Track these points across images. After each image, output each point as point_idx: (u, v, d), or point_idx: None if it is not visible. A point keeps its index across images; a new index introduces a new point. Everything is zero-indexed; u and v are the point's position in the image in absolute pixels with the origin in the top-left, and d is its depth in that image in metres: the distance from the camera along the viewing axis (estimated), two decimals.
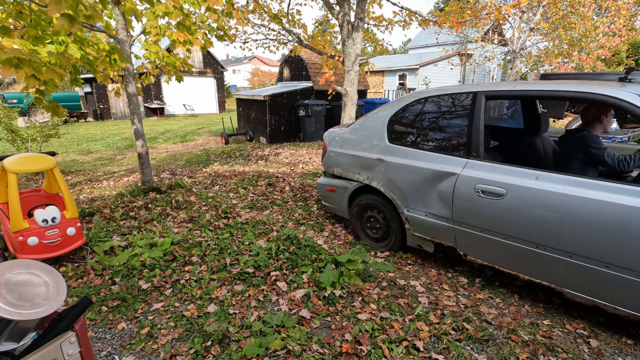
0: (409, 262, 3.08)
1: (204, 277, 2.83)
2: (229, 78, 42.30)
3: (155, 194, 4.83)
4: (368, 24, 7.63)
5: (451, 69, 21.92)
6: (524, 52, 13.46)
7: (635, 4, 11.98)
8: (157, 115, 20.88)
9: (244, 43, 8.16)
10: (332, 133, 3.70)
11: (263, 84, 35.04)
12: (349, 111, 6.23)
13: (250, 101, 11.04)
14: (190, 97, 22.90)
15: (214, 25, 4.35)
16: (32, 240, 2.77)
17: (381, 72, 22.86)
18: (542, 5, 11.44)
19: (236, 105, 12.48)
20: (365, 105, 11.33)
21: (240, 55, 59.18)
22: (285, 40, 8.02)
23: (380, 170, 3.04)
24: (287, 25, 7.07)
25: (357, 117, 10.71)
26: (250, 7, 6.78)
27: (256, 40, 8.19)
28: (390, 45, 8.95)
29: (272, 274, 2.81)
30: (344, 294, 2.55)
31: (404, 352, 1.99)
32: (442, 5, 37.66)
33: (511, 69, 13.03)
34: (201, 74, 23.24)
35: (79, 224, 3.05)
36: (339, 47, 8.62)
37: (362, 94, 12.23)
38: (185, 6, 3.87)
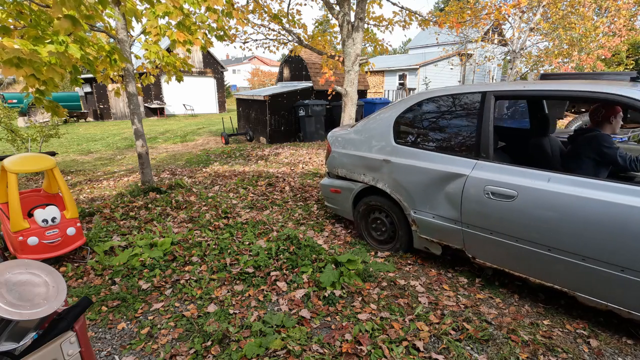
0: (409, 262, 3.08)
1: (204, 277, 2.83)
2: (229, 78, 42.30)
3: (155, 194, 4.83)
4: (368, 24, 7.63)
5: (451, 69, 21.92)
6: (524, 52, 13.46)
7: (635, 4, 11.98)
8: (157, 115, 20.88)
9: (244, 43, 8.16)
10: (336, 134, 3.65)
11: (263, 84, 35.03)
12: (349, 111, 6.23)
13: (250, 101, 11.04)
14: (190, 97, 22.90)
15: (214, 25, 4.35)
16: (32, 240, 2.77)
17: (381, 72, 22.86)
18: (542, 5, 11.44)
19: (236, 105, 12.48)
20: (365, 105, 11.33)
21: (240, 55, 59.21)
22: (285, 40, 8.02)
23: (386, 171, 3.00)
24: (287, 25, 7.07)
25: (357, 117, 10.73)
26: (250, 7, 6.78)
27: (256, 40, 8.18)
28: (390, 45, 8.95)
29: (272, 274, 2.81)
30: (344, 294, 2.55)
31: (404, 352, 1.99)
32: (442, 5, 37.66)
33: (511, 69, 13.02)
34: (201, 74, 23.24)
35: (79, 224, 3.05)
36: (339, 47, 8.62)
37: (362, 94, 12.23)
38: (185, 6, 3.87)
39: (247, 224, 3.88)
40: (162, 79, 14.06)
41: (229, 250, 3.23)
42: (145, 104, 20.54)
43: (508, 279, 2.74)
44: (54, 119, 7.58)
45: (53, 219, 2.88)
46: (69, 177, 6.67)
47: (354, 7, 5.96)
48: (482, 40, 14.86)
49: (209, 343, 2.09)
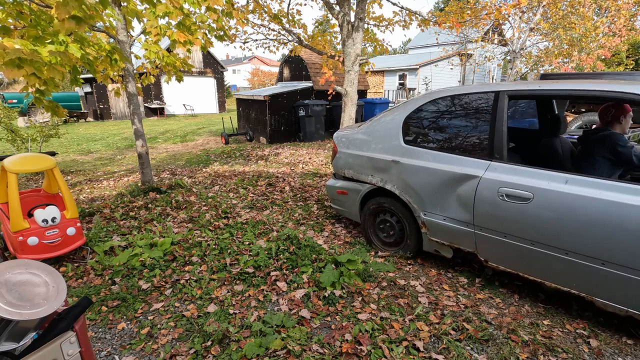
0: (409, 262, 3.08)
1: (204, 277, 2.83)
2: (229, 78, 42.31)
3: (155, 194, 4.83)
4: (368, 24, 7.63)
5: (451, 69, 21.93)
6: (524, 52, 13.46)
7: (635, 4, 11.99)
8: (157, 115, 20.88)
9: (244, 43, 8.16)
10: (343, 134, 3.58)
11: (263, 84, 35.04)
12: (349, 111, 6.23)
13: (250, 101, 11.04)
14: (190, 97, 22.91)
15: (214, 25, 4.35)
16: (32, 240, 2.77)
17: (381, 72, 22.87)
18: (542, 5, 11.44)
19: (236, 105, 12.49)
20: (365, 105, 11.34)
21: (240, 55, 59.22)
22: (285, 40, 8.02)
23: (395, 172, 2.93)
24: (287, 25, 7.07)
25: (357, 117, 10.72)
26: (250, 7, 6.78)
27: (256, 40, 8.18)
28: (390, 45, 8.95)
29: (272, 274, 2.81)
30: (344, 294, 2.55)
31: (404, 352, 1.99)
32: (442, 5, 37.66)
33: (511, 69, 13.03)
34: (201, 74, 23.25)
35: (79, 224, 3.05)
36: (339, 47, 8.62)
37: (362, 94, 12.24)
38: (186, 6, 3.87)
39: (247, 224, 3.88)
40: (162, 79, 14.06)
41: (229, 250, 3.23)
42: (145, 104, 20.54)
43: (508, 279, 2.74)
44: (54, 119, 7.58)
45: (53, 219, 2.88)
46: (69, 177, 6.67)
47: (354, 7, 5.96)
48: (482, 40, 14.85)
49: (209, 343, 2.09)
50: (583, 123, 7.85)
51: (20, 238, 2.73)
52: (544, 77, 2.68)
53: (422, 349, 1.99)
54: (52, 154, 3.28)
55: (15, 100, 15.62)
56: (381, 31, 16.68)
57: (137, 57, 5.06)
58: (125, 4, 4.20)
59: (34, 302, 1.00)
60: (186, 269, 2.97)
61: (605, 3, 12.07)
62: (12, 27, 3.20)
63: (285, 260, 2.97)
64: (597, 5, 12.29)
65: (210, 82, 23.97)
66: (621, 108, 2.45)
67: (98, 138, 12.40)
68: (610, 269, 1.92)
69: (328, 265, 2.79)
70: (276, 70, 37.42)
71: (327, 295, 2.52)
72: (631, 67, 16.21)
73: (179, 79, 5.27)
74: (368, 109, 11.31)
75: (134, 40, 4.80)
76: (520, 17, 12.42)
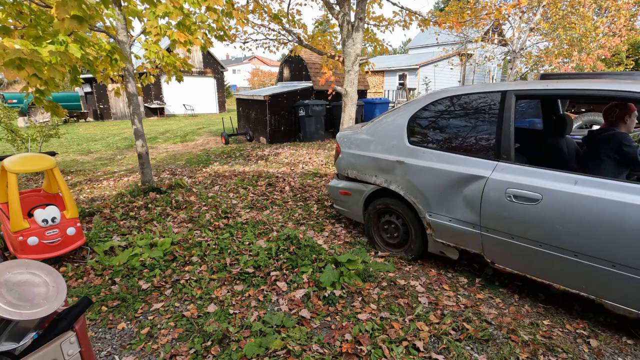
0: (409, 262, 3.08)
1: (204, 277, 2.83)
2: (229, 78, 42.31)
3: (155, 194, 4.83)
4: (368, 24, 7.63)
5: (451, 69, 21.92)
6: (524, 52, 13.46)
7: (636, 4, 11.99)
8: (157, 115, 20.88)
9: (244, 43, 8.16)
10: (346, 134, 3.55)
11: (263, 84, 35.03)
12: (349, 111, 6.23)
13: (250, 101, 11.04)
14: (190, 97, 22.90)
15: (214, 25, 4.35)
16: (32, 240, 2.77)
17: (381, 72, 22.86)
18: (542, 5, 11.44)
19: (236, 105, 12.48)
20: (365, 105, 11.33)
21: (240, 55, 59.20)
22: (285, 40, 8.02)
23: (399, 172, 2.90)
24: (287, 25, 7.07)
25: (357, 117, 10.71)
26: (250, 7, 6.78)
27: (256, 40, 8.18)
28: (390, 45, 8.95)
29: (272, 274, 2.81)
30: (344, 294, 2.55)
31: (404, 352, 1.99)
32: (442, 5, 37.66)
33: (511, 69, 13.03)
34: (201, 74, 23.25)
35: (79, 224, 3.05)
36: (339, 47, 8.62)
37: (362, 94, 12.24)
38: (186, 6, 3.87)
39: (247, 224, 3.88)
40: (162, 79, 14.05)
41: (229, 250, 3.23)
42: (145, 104, 20.54)
43: (508, 279, 2.74)
44: (54, 119, 7.59)
45: (53, 219, 2.88)
46: (69, 177, 6.67)
47: (354, 7, 5.96)
48: (482, 40, 14.86)
49: (209, 343, 2.09)
50: (583, 123, 7.85)
51: (20, 238, 2.73)
52: (544, 77, 2.68)
53: (422, 349, 1.99)
54: (52, 154, 3.28)
55: (15, 100, 15.62)
56: (381, 31, 16.70)
57: (137, 57, 5.06)
58: (125, 4, 4.21)
59: (34, 302, 1.00)
60: (186, 269, 2.97)
61: (605, 3, 12.07)
62: (12, 27, 3.20)
63: (285, 260, 2.97)
64: (597, 5, 12.29)
65: (210, 82, 23.97)
66: (626, 108, 2.45)
67: (98, 138, 12.40)
68: (621, 271, 1.89)
69: (328, 265, 2.79)
70: (276, 70, 37.42)
71: (327, 295, 2.52)
72: (631, 67, 16.21)
73: (179, 79, 5.27)
74: (368, 109, 11.31)
75: (134, 40, 4.80)
76: (520, 17, 12.42)
